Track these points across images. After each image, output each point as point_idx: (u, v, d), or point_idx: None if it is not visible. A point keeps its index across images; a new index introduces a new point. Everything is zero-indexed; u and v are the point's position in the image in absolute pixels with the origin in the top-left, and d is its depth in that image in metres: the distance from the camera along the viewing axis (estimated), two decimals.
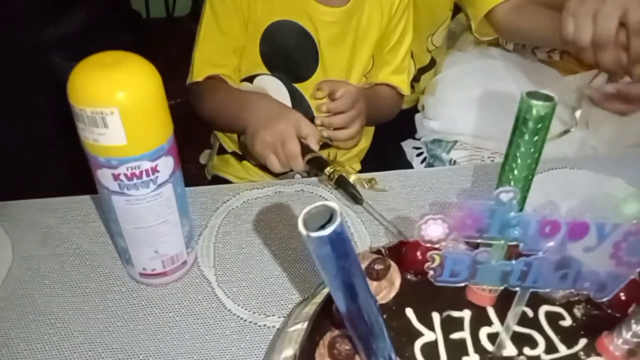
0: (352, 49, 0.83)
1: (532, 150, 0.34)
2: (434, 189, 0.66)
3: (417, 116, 1.01)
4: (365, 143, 0.96)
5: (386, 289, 0.41)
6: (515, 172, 0.35)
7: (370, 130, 0.97)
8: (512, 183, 0.35)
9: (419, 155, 1.00)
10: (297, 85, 0.84)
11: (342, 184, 0.63)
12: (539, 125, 0.32)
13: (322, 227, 0.26)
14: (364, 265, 0.41)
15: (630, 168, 0.70)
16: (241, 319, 0.51)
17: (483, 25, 0.93)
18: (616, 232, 0.31)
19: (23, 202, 0.62)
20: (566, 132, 0.86)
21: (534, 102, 0.32)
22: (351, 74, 0.85)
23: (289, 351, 0.44)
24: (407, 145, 1.02)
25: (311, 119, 0.73)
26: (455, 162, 0.92)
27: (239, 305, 0.52)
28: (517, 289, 0.34)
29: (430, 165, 0.97)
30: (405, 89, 0.90)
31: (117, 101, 0.40)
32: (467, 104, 0.94)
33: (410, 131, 1.02)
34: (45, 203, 0.61)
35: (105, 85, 0.40)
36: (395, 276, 0.42)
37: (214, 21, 0.78)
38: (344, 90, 0.75)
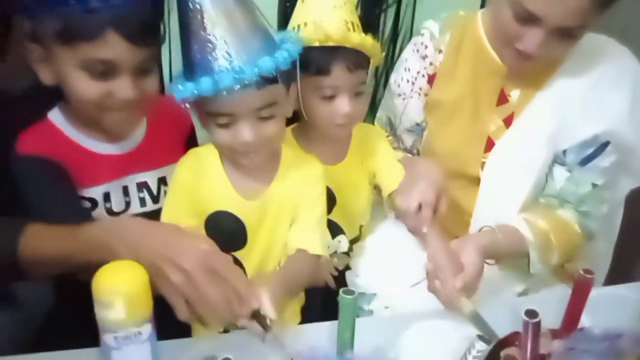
0: (273, 228, 1.02)
1: (351, 320, 0.63)
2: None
3: (347, 273, 1.30)
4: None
5: None
6: (345, 334, 0.64)
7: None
8: (345, 338, 0.64)
9: None
10: (235, 253, 1.03)
11: (255, 317, 0.80)
12: (350, 308, 0.62)
13: None
14: None
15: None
16: None
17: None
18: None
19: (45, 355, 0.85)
20: None
21: (344, 296, 0.61)
22: (274, 247, 1.04)
23: None
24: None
25: None
26: (372, 311, 1.18)
27: None
28: None
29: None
30: (317, 249, 1.00)
31: (120, 294, 0.68)
32: (382, 265, 1.24)
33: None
34: (58, 355, 0.85)
35: (113, 285, 0.69)
36: None
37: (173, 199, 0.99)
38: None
